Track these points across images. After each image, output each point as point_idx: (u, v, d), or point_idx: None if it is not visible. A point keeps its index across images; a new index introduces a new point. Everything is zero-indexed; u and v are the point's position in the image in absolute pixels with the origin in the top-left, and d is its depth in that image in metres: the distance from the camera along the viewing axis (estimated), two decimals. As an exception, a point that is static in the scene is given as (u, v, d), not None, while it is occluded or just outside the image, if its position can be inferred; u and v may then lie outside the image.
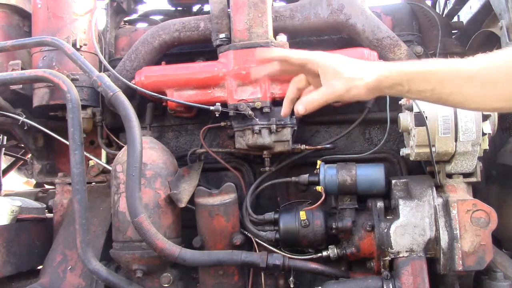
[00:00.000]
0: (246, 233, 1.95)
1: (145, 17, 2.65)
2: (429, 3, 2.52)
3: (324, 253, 1.88)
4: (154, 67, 2.07)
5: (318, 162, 1.94)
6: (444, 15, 2.61)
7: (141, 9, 2.61)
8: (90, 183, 2.29)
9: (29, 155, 2.65)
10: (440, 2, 2.80)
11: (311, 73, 1.33)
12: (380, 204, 1.86)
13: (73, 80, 1.99)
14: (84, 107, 2.10)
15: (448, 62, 1.23)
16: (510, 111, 1.21)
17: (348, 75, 1.26)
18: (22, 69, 2.10)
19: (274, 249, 1.90)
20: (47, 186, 2.76)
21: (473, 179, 1.81)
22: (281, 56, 1.36)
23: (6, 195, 2.70)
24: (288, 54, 1.36)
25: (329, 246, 1.89)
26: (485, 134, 1.71)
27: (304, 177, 1.95)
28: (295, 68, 1.36)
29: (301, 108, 1.30)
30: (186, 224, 2.01)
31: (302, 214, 1.86)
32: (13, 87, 2.14)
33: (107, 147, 2.26)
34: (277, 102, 1.96)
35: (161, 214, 1.89)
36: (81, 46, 2.11)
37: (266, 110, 1.90)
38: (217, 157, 2.14)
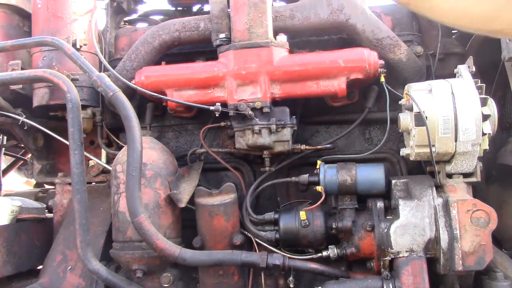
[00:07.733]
0: (246, 233, 1.95)
1: (145, 17, 2.66)
2: (429, 3, 2.52)
3: (324, 253, 1.88)
4: (154, 67, 2.07)
5: (318, 162, 1.94)
6: (444, 15, 2.61)
7: (141, 9, 2.62)
8: (90, 183, 2.29)
9: (29, 155, 2.65)
10: (440, 2, 2.80)
11: None
12: (380, 204, 1.86)
13: (73, 80, 1.99)
14: (84, 107, 2.10)
15: None
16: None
17: None
18: (22, 69, 2.10)
19: (274, 249, 1.90)
20: (47, 186, 2.76)
21: (473, 179, 1.81)
22: None
23: (6, 195, 2.71)
24: None
25: (329, 246, 1.89)
26: (485, 134, 1.71)
27: (304, 177, 1.95)
28: None
29: None
30: (186, 224, 2.01)
31: (302, 214, 1.86)
32: (13, 87, 2.14)
33: (107, 147, 2.26)
34: (277, 102, 1.96)
35: (161, 214, 1.89)
36: (81, 46, 2.11)
37: (266, 110, 1.90)
38: (217, 157, 2.14)
